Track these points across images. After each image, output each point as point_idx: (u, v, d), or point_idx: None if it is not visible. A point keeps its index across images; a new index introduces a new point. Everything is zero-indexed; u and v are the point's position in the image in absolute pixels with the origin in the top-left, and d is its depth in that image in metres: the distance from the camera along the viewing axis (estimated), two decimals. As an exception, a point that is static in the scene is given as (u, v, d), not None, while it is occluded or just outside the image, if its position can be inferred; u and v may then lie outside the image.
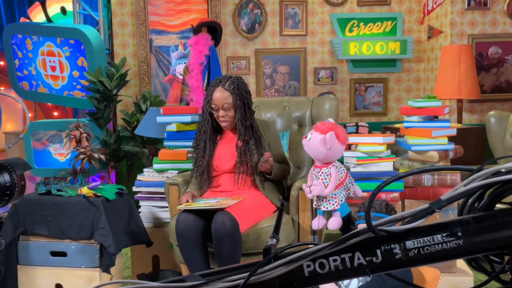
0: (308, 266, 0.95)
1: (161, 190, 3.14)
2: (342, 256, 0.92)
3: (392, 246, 0.87)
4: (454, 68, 4.20)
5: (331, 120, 2.50)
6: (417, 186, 3.07)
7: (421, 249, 0.84)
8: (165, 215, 3.22)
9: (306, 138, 2.38)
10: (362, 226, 2.16)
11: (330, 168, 2.34)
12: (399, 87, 5.26)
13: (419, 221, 0.87)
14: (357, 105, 5.24)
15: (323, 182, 2.35)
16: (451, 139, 3.12)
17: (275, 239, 1.16)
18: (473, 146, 3.65)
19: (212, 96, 2.73)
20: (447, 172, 3.06)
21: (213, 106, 2.73)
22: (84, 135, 3.13)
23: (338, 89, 5.23)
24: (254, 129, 2.79)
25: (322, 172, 2.36)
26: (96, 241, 2.73)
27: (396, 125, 4.37)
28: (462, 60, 4.18)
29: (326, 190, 2.34)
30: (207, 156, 2.78)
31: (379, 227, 0.90)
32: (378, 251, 0.88)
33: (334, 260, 0.93)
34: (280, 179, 2.89)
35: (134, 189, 3.28)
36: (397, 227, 0.89)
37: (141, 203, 3.25)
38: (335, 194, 2.37)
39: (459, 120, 4.36)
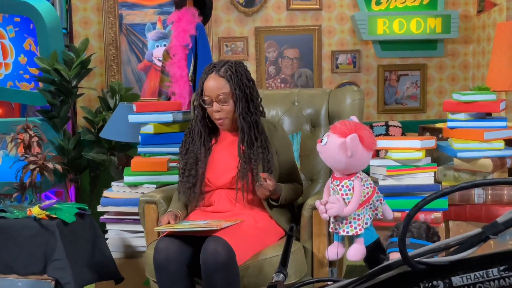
0: (325, 309, 0.95)
1: (135, 210, 3.14)
2: None
3: (435, 283, 0.87)
4: (512, 51, 4.20)
5: (354, 118, 2.50)
6: (465, 204, 3.09)
7: (472, 286, 0.84)
8: (139, 242, 3.22)
9: (321, 142, 2.38)
10: (395, 255, 2.16)
11: (353, 180, 2.34)
12: (441, 75, 5.27)
13: (469, 250, 0.87)
14: (387, 99, 5.25)
15: (344, 199, 2.35)
16: (508, 143, 3.13)
17: (281, 274, 1.16)
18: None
19: (204, 86, 2.73)
20: (505, 186, 3.07)
21: (205, 98, 2.73)
22: (35, 139, 3.13)
23: (362, 78, 5.24)
24: (260, 128, 2.78)
25: (343, 186, 2.36)
26: (50, 277, 2.73)
27: (438, 125, 4.38)
28: (523, 40, 4.18)
29: (347, 209, 2.34)
30: (201, 165, 2.78)
31: (417, 259, 0.90)
32: None
33: (360, 301, 0.94)
34: (291, 202, 2.89)
35: (100, 208, 3.28)
36: (441, 258, 0.89)
37: (108, 226, 3.26)
38: (358, 215, 2.36)
39: (518, 118, 4.37)
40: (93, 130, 4.66)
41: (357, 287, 0.94)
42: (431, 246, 0.91)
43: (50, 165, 3.07)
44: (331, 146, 2.34)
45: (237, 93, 2.71)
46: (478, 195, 3.05)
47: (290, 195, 2.82)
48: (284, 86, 5.18)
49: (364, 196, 2.37)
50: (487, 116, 3.28)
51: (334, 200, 2.33)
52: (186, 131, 2.91)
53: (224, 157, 2.81)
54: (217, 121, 2.77)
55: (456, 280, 0.88)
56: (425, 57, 5.24)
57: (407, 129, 4.99)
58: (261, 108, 2.86)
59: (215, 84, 2.72)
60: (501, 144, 3.03)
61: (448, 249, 0.92)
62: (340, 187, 2.36)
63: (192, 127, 2.86)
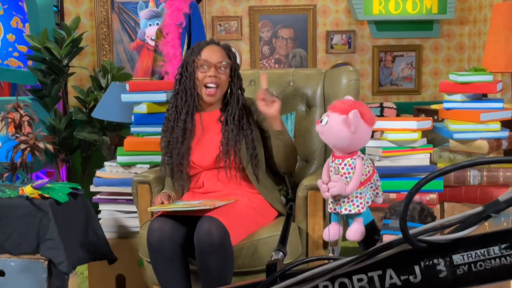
0: (325, 287, 0.96)
1: (128, 190, 3.14)
2: (370, 274, 0.93)
3: (435, 261, 0.88)
4: (509, 32, 4.20)
5: (349, 97, 2.50)
6: (460, 185, 3.10)
7: (472, 265, 0.85)
8: (132, 222, 3.23)
9: (321, 122, 2.37)
10: (388, 237, 2.18)
11: (355, 159, 2.34)
12: (436, 56, 5.28)
13: (470, 229, 0.87)
14: (382, 81, 5.25)
15: (346, 177, 2.35)
16: (504, 124, 3.14)
17: (281, 253, 1.16)
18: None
19: (202, 52, 2.77)
20: (500, 166, 3.08)
21: (201, 62, 2.75)
22: (26, 118, 3.11)
23: (357, 59, 5.24)
24: (246, 107, 2.85)
25: (345, 164, 2.35)
26: (43, 256, 2.73)
27: (433, 106, 4.39)
28: (520, 22, 4.18)
29: (348, 188, 2.34)
30: (185, 144, 2.78)
31: (418, 237, 0.90)
32: (417, 268, 0.89)
33: (359, 280, 0.94)
34: (289, 158, 2.85)
35: (92, 188, 3.28)
36: (442, 236, 0.89)
37: (101, 207, 3.26)
38: (360, 193, 2.37)
39: (514, 100, 4.39)
40: (84, 110, 4.64)
41: (358, 264, 0.94)
42: (431, 224, 0.92)
43: (41, 144, 3.05)
44: (334, 124, 2.33)
45: (235, 67, 2.81)
46: (473, 176, 3.06)
47: (289, 144, 2.81)
48: (278, 66, 5.17)
49: (366, 175, 2.38)
50: (482, 97, 3.29)
51: (336, 179, 2.34)
52: (170, 106, 2.89)
53: (206, 138, 2.83)
54: (208, 90, 2.77)
55: (457, 258, 0.88)
56: (421, 37, 5.25)
57: (402, 110, 4.99)
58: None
59: (217, 52, 2.80)
60: (498, 126, 3.04)
61: (449, 227, 0.92)
62: (342, 165, 2.36)
63: (179, 100, 2.83)
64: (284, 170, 2.90)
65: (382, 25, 5.17)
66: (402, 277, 0.92)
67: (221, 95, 2.82)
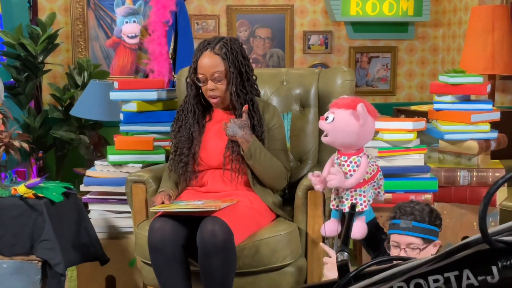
0: (400, 288, 0.96)
1: (119, 189, 3.11)
2: (446, 275, 0.93)
3: None
4: (486, 35, 4.31)
5: (346, 97, 2.52)
6: (450, 186, 3.17)
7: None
8: (123, 222, 3.20)
9: (326, 119, 2.36)
10: (396, 237, 2.20)
11: (361, 156, 2.36)
12: (411, 58, 5.37)
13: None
14: (358, 81, 5.30)
15: (351, 175, 2.36)
16: (492, 125, 3.22)
17: (345, 253, 1.17)
18: (511, 135, 3.76)
19: (198, 63, 2.71)
20: (489, 167, 3.16)
21: (199, 76, 2.71)
22: (0, 116, 3.06)
23: (333, 59, 5.29)
24: (254, 106, 2.78)
25: (351, 162, 2.35)
26: (38, 257, 2.68)
27: (413, 108, 4.46)
28: (497, 25, 4.29)
29: (348, 182, 2.33)
30: (196, 143, 2.77)
31: (495, 237, 0.91)
32: (494, 268, 0.89)
33: (435, 281, 0.95)
34: (268, 181, 2.81)
35: (82, 188, 3.23)
36: None
37: (91, 206, 3.22)
38: (364, 192, 2.38)
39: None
40: (60, 108, 4.57)
41: (434, 265, 0.95)
42: (509, 224, 0.93)
43: (16, 143, 2.98)
44: (341, 119, 2.31)
45: (231, 71, 2.70)
46: (463, 177, 3.13)
47: (268, 163, 2.74)
48: (255, 66, 5.17)
49: (370, 174, 2.39)
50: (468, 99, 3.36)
51: (335, 172, 2.32)
52: (179, 108, 2.89)
53: (218, 137, 2.80)
54: (211, 100, 2.76)
55: (535, 258, 0.88)
56: (396, 39, 5.32)
57: (378, 111, 5.05)
58: (256, 86, 2.86)
59: (210, 62, 2.70)
60: (487, 127, 3.12)
61: None
62: (348, 162, 2.36)
63: (185, 105, 2.84)
64: (269, 188, 2.87)
65: (359, 26, 5.23)
66: (480, 278, 0.92)
67: (226, 99, 2.77)
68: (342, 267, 1.09)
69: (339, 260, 1.13)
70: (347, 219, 1.19)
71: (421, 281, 0.96)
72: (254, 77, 2.83)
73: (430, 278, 0.95)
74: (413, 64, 5.37)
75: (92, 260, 2.98)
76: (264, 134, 2.77)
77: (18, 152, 3.07)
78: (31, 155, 4.54)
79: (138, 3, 4.90)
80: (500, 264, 0.90)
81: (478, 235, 0.92)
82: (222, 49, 2.71)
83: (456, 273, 0.94)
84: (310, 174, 2.44)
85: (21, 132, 4.28)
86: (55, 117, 4.52)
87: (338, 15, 5.08)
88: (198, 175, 2.80)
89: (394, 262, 1.06)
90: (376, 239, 2.48)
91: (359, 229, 2.44)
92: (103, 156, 3.86)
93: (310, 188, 2.70)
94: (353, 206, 1.27)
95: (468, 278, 0.93)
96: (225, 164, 2.74)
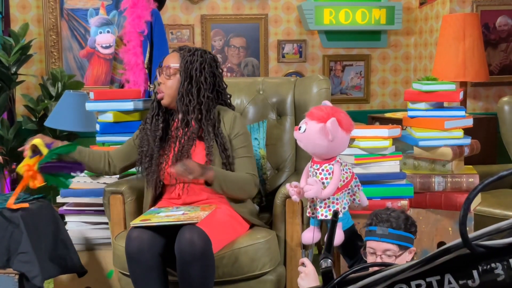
0: (383, 293, 0.98)
1: (96, 200, 3.09)
2: (428, 279, 0.95)
3: (493, 265, 0.90)
4: (458, 42, 4.38)
5: (327, 103, 2.54)
6: (425, 192, 3.20)
7: (530, 268, 0.88)
8: (100, 233, 3.17)
9: (299, 130, 2.40)
10: (372, 244, 2.22)
11: (333, 164, 2.39)
12: (384, 66, 5.43)
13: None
14: (333, 89, 5.35)
15: (323, 182, 2.39)
16: (465, 132, 3.26)
17: (329, 260, 1.18)
18: (483, 140, 3.82)
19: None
20: (463, 172, 3.20)
21: (158, 70, 2.82)
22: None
23: (308, 68, 5.33)
24: (206, 117, 2.76)
25: (323, 170, 2.39)
26: (15, 270, 2.65)
27: (388, 115, 4.51)
28: (468, 33, 4.36)
29: (325, 192, 2.36)
30: (155, 156, 2.78)
31: (475, 242, 0.93)
32: (475, 272, 0.92)
33: (418, 286, 0.96)
34: (239, 196, 2.79)
35: (59, 200, 3.20)
36: (499, 240, 0.92)
37: (67, 218, 3.19)
38: (337, 199, 2.41)
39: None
40: (34, 119, 4.54)
41: (416, 270, 0.97)
42: (488, 228, 0.95)
43: (-10, 155, 2.97)
44: (311, 132, 2.36)
45: (181, 70, 2.75)
46: (438, 183, 3.17)
47: (232, 184, 2.71)
48: (230, 75, 5.20)
49: (343, 181, 2.42)
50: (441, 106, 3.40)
51: (312, 182, 2.35)
52: (142, 121, 2.89)
53: (183, 148, 2.79)
54: (158, 96, 2.80)
55: (513, 261, 0.90)
56: (369, 47, 5.38)
57: (352, 119, 5.09)
58: (221, 97, 2.89)
59: (169, 57, 2.83)
60: (460, 133, 3.16)
61: (506, 231, 0.96)
62: (320, 171, 2.40)
63: (152, 111, 2.85)
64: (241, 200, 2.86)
65: (332, 35, 5.28)
66: (461, 282, 0.93)
67: (171, 98, 2.79)
68: (326, 274, 1.10)
69: (323, 267, 1.15)
70: (330, 227, 1.21)
71: (404, 286, 0.97)
72: (215, 91, 2.85)
73: (413, 283, 0.97)
74: (386, 72, 5.43)
75: (70, 272, 2.96)
76: (227, 145, 2.76)
77: (-8, 165, 3.05)
78: (5, 167, 4.50)
79: (112, 13, 4.89)
80: (480, 268, 0.92)
81: (458, 240, 0.94)
82: (186, 52, 2.79)
83: (438, 277, 0.95)
84: (287, 185, 2.47)
85: (-6, 144, 4.25)
86: (29, 128, 4.48)
87: (312, 24, 5.13)
88: (167, 188, 2.82)
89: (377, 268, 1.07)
90: (353, 246, 2.50)
91: (335, 236, 2.46)
92: (79, 167, 3.83)
93: (288, 196, 2.70)
94: (335, 213, 1.29)
95: (449, 282, 0.94)
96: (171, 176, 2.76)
